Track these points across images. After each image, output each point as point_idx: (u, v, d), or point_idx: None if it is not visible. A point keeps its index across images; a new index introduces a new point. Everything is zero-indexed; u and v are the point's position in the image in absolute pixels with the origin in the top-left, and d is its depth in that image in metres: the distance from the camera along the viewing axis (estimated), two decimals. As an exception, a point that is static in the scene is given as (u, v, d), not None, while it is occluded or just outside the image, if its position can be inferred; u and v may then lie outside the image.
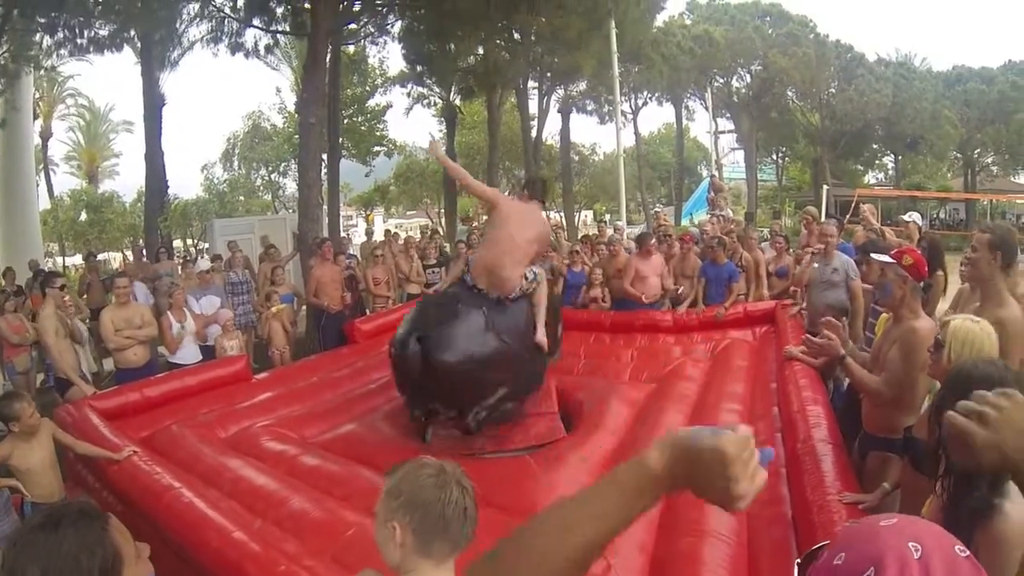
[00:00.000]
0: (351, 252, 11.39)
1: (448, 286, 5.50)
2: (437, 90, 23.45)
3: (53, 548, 1.20)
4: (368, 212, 35.27)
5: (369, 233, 15.18)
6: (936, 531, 0.83)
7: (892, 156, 35.60)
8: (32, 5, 12.03)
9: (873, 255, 3.90)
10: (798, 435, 3.81)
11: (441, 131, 25.30)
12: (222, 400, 5.91)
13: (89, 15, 12.51)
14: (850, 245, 6.83)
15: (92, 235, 24.48)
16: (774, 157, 40.10)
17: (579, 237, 13.86)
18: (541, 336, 5.14)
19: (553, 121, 28.52)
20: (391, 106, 25.84)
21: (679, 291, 8.12)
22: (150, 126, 16.22)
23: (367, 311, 9.22)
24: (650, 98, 33.43)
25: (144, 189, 17.82)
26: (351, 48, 20.94)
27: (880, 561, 0.78)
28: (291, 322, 8.62)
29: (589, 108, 31.18)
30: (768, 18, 31.86)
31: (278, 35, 15.89)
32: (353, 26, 16.26)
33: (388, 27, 17.82)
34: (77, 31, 12.83)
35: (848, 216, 13.74)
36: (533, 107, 24.58)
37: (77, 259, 24.73)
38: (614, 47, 16.49)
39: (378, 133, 26.21)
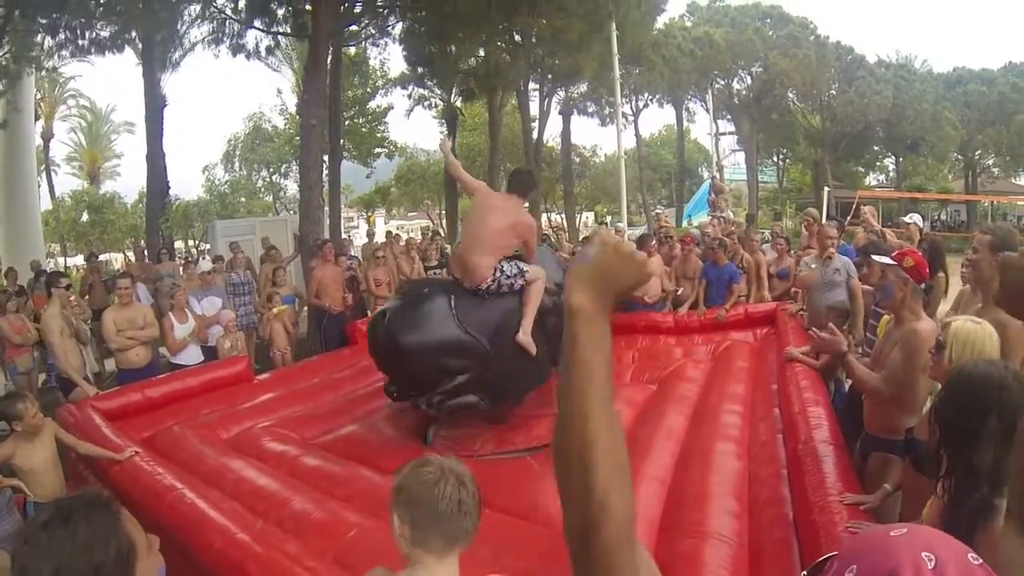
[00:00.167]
0: (352, 253, 11.40)
1: None
2: (438, 92, 23.45)
3: (65, 543, 1.16)
4: (369, 213, 35.28)
5: (370, 234, 15.18)
6: (948, 539, 0.82)
7: (893, 158, 35.63)
8: (33, 6, 12.05)
9: (875, 257, 3.90)
10: (799, 436, 3.81)
11: (442, 133, 25.30)
12: (224, 401, 5.92)
13: (90, 16, 12.53)
14: (851, 247, 6.83)
15: (93, 236, 24.45)
16: (775, 159, 40.14)
17: (580, 239, 13.86)
18: (524, 336, 4.92)
19: (554, 123, 28.60)
20: (392, 108, 25.88)
21: (679, 292, 8.13)
22: (151, 127, 16.25)
23: (368, 312, 9.21)
24: (651, 100, 33.46)
25: (145, 190, 17.84)
26: (352, 50, 20.98)
27: (896, 573, 0.77)
28: (292, 323, 8.64)
29: (590, 110, 31.20)
30: (769, 20, 31.87)
31: (279, 37, 15.91)
32: (354, 28, 16.30)
33: (389, 29, 17.86)
34: (78, 32, 12.86)
35: (849, 218, 13.73)
36: (534, 109, 24.60)
37: (78, 260, 24.71)
38: (615, 49, 16.48)
39: (379, 135, 26.23)
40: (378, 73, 24.63)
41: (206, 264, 10.37)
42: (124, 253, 25.95)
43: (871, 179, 39.18)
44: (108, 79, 51.25)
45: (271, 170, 29.94)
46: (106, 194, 27.67)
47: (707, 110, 31.47)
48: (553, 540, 1.41)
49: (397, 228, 28.14)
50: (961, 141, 31.53)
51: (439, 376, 4.77)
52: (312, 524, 3.46)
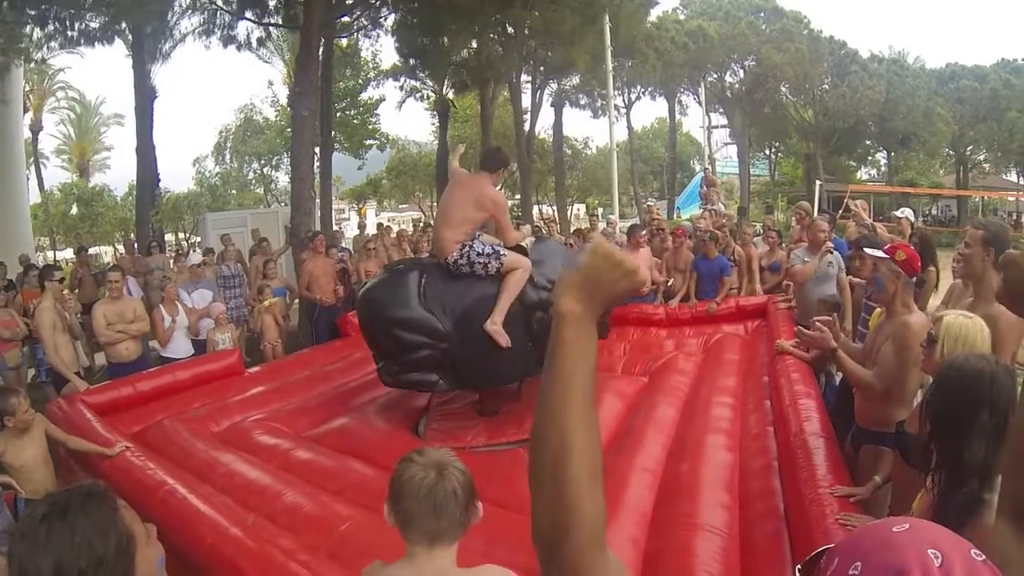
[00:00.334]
0: (344, 245, 11.37)
1: None
2: (430, 84, 23.32)
3: (64, 537, 1.14)
4: (360, 205, 35.20)
5: (361, 226, 15.13)
6: (950, 536, 0.83)
7: (885, 152, 35.74)
8: (22, -4, 11.95)
9: (867, 249, 3.91)
10: (790, 428, 3.82)
11: (434, 124, 25.24)
12: (214, 394, 5.89)
13: (80, 7, 12.43)
14: (843, 240, 6.85)
15: (83, 229, 24.30)
16: (767, 152, 40.20)
17: (572, 231, 13.86)
18: (491, 326, 4.76)
19: (546, 115, 28.52)
20: (384, 99, 25.77)
21: (670, 283, 8.14)
22: (141, 119, 16.13)
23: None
24: (643, 92, 33.46)
25: (135, 183, 17.72)
26: (344, 41, 20.88)
27: (903, 571, 0.77)
28: (283, 316, 8.60)
29: (582, 102, 31.14)
30: (762, 14, 31.89)
31: (270, 28, 15.87)
32: (346, 19, 16.20)
33: (381, 20, 17.78)
34: (68, 23, 12.74)
35: (840, 212, 13.78)
36: (526, 101, 24.54)
37: (68, 253, 24.60)
38: (608, 42, 16.45)
39: (371, 126, 26.16)
40: (370, 65, 24.54)
41: (196, 257, 10.31)
42: (114, 246, 25.78)
43: (863, 173, 39.34)
44: (98, 71, 51.03)
45: (262, 162, 29.78)
46: (96, 187, 27.39)
47: (699, 103, 31.43)
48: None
49: (388, 220, 28.08)
50: (953, 137, 31.65)
51: (398, 348, 4.89)
52: (304, 518, 3.46)
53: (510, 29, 18.20)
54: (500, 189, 5.87)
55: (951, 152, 34.58)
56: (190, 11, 15.44)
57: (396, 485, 1.63)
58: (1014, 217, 30.96)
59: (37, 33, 13.71)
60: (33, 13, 12.49)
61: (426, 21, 15.80)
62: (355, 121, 25.14)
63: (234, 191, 28.25)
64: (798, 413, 3.94)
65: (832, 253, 6.07)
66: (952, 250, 3.92)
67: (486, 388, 5.44)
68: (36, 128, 30.45)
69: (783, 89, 31.94)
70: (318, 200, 14.06)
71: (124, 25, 14.26)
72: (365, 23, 17.74)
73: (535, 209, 27.57)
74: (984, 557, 0.79)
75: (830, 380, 5.34)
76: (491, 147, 5.93)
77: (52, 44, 14.37)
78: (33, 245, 21.16)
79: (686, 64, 29.71)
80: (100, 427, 4.63)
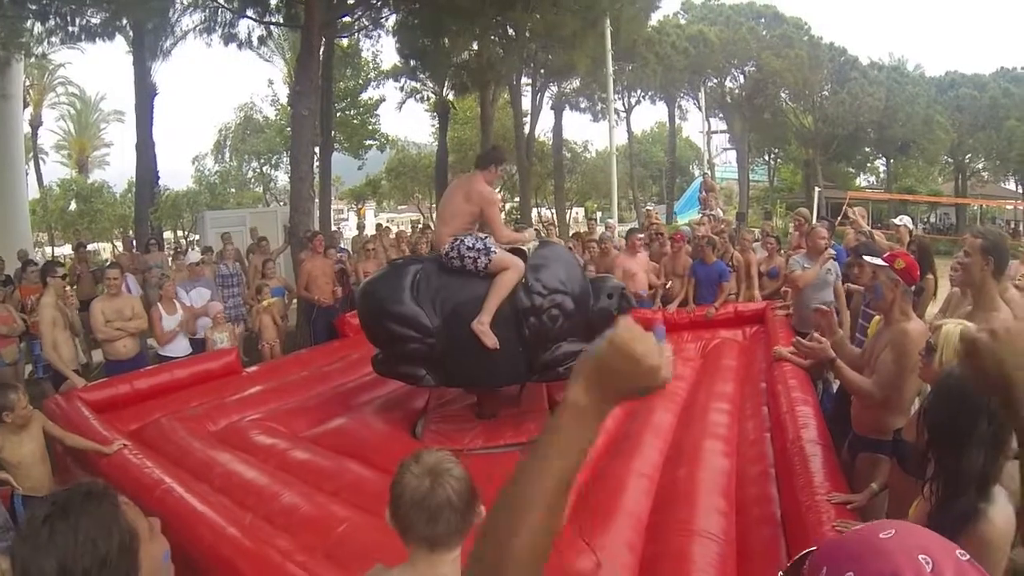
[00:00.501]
0: (342, 246, 11.36)
1: None
2: (430, 85, 23.31)
3: (68, 537, 1.12)
4: (359, 206, 35.19)
5: (360, 227, 15.15)
6: (937, 538, 0.83)
7: (884, 159, 35.80)
8: (23, -9, 11.95)
9: (866, 257, 3.92)
10: (787, 435, 3.83)
11: (433, 126, 25.24)
12: (212, 393, 5.88)
13: (81, 3, 12.41)
14: (841, 248, 6.87)
15: (82, 225, 24.27)
16: (766, 158, 40.30)
17: (571, 234, 13.86)
18: (479, 325, 4.70)
19: (546, 118, 28.56)
20: (384, 100, 25.80)
21: (667, 286, 8.14)
22: (141, 116, 16.13)
23: (358, 306, 9.20)
24: (643, 97, 33.48)
25: (134, 179, 17.71)
26: (345, 41, 20.90)
27: None
28: (282, 316, 8.60)
29: (582, 105, 31.18)
30: (763, 19, 31.95)
31: (271, 26, 15.84)
32: (347, 19, 16.22)
33: (382, 21, 17.77)
34: (69, 19, 12.72)
35: (839, 219, 13.79)
36: (526, 104, 24.58)
37: (66, 249, 24.55)
38: (608, 45, 16.49)
39: (370, 127, 26.17)
40: (370, 65, 24.55)
41: (195, 255, 10.30)
42: (112, 243, 25.79)
43: (862, 180, 39.42)
44: (98, 67, 50.89)
45: (262, 161, 29.79)
46: (95, 183, 27.40)
47: (699, 108, 31.54)
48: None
49: (387, 221, 28.06)
50: (952, 144, 31.75)
51: (389, 339, 4.98)
52: (302, 518, 3.46)
53: (511, 31, 18.20)
54: (500, 191, 5.88)
55: (950, 160, 34.69)
56: (191, 8, 15.43)
57: (394, 492, 1.61)
58: (1012, 226, 31.04)
59: (38, 28, 13.69)
60: (34, 8, 12.49)
61: (427, 22, 15.79)
62: (355, 121, 25.15)
63: (233, 190, 28.26)
64: (795, 420, 3.95)
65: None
66: (950, 258, 3.93)
67: (472, 388, 5.46)
68: (36, 123, 30.40)
69: (783, 95, 32.01)
70: (317, 200, 14.06)
71: (125, 21, 14.25)
72: (366, 23, 17.75)
73: (534, 212, 27.57)
74: (969, 557, 0.80)
75: (827, 387, 5.35)
76: (489, 147, 5.96)
77: (53, 39, 14.38)
78: (31, 241, 21.13)
79: (686, 69, 29.76)
80: (98, 424, 4.64)
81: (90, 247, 17.16)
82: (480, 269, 4.87)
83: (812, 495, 3.00)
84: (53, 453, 4.39)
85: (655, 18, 26.22)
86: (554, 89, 27.51)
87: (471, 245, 4.88)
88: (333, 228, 16.82)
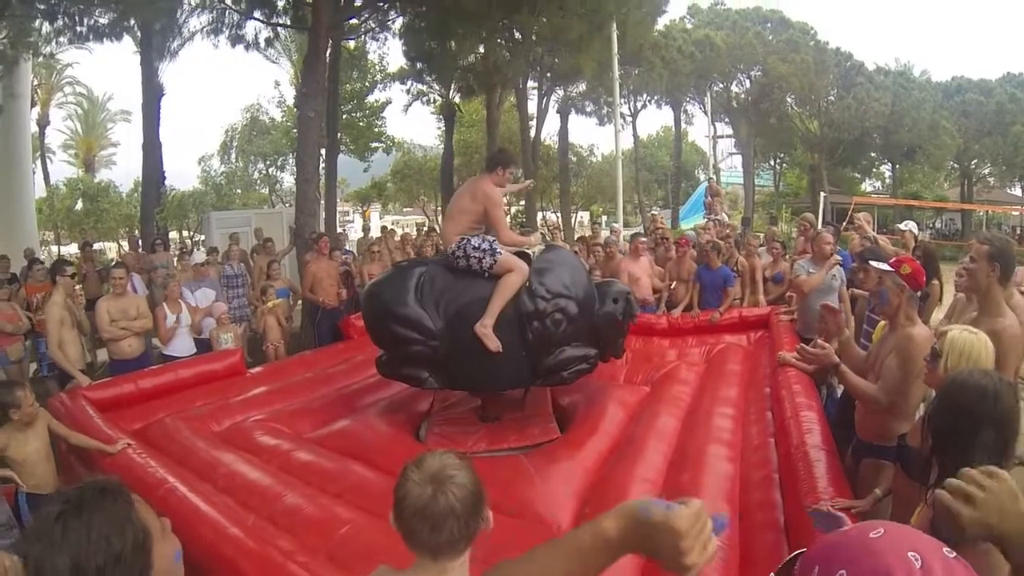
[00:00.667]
0: (348, 248, 11.39)
1: None
2: (437, 88, 23.38)
3: (81, 535, 1.12)
4: (365, 208, 35.25)
5: (366, 229, 15.19)
6: (924, 537, 0.85)
7: (889, 165, 35.72)
8: (32, -9, 11.99)
9: (872, 262, 3.92)
10: (791, 440, 3.81)
11: (439, 129, 25.29)
12: (216, 394, 5.90)
13: (89, 3, 12.44)
14: (846, 253, 6.86)
15: (88, 224, 24.32)
16: (772, 163, 40.24)
17: (576, 238, 13.86)
18: (481, 328, 4.70)
19: (552, 121, 28.55)
20: (390, 102, 25.86)
21: (672, 286, 8.14)
22: (148, 116, 16.18)
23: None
24: (649, 101, 33.51)
25: (141, 179, 17.77)
26: (351, 43, 20.93)
27: (890, 575, 0.78)
28: (286, 317, 8.62)
29: (588, 109, 31.20)
30: (769, 24, 31.90)
31: (279, 28, 15.88)
32: (354, 21, 16.23)
33: (389, 23, 17.84)
34: (77, 19, 12.76)
35: (844, 224, 13.77)
36: (532, 107, 24.62)
37: (72, 248, 24.62)
38: (614, 49, 16.49)
39: (376, 129, 26.20)
40: (377, 67, 24.58)
41: (200, 255, 10.33)
42: (118, 243, 25.85)
43: (867, 185, 39.38)
44: (106, 67, 51.09)
45: (267, 162, 29.89)
46: (101, 183, 27.48)
47: (705, 112, 31.52)
48: (546, 539, 1.40)
49: (392, 223, 28.09)
50: (958, 150, 31.61)
51: (392, 341, 5.00)
52: (305, 520, 3.46)
53: (517, 35, 18.21)
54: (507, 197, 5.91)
55: (956, 165, 34.55)
56: (199, 9, 15.48)
57: (397, 496, 1.55)
58: (1018, 231, 30.92)
59: (46, 28, 13.74)
60: (42, 7, 12.52)
61: (434, 25, 15.81)
62: (361, 123, 25.20)
63: (239, 190, 28.36)
64: (799, 425, 3.93)
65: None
66: (956, 264, 3.92)
67: (475, 391, 5.47)
68: (43, 122, 30.57)
69: (789, 100, 31.95)
70: (323, 202, 14.07)
71: (133, 22, 14.29)
72: (373, 26, 17.80)
73: (539, 216, 27.59)
74: (956, 554, 0.82)
75: (831, 392, 5.33)
76: (495, 149, 5.99)
77: (61, 39, 14.45)
78: (38, 239, 21.22)
79: (692, 73, 29.77)
80: (102, 423, 4.65)
81: (96, 246, 17.23)
82: (485, 269, 4.88)
83: (816, 501, 2.99)
84: (57, 451, 4.41)
85: (661, 22, 26.33)
86: (560, 93, 27.54)
87: (477, 245, 4.90)
88: (338, 230, 16.88)
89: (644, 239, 8.40)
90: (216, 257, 9.58)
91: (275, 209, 22.29)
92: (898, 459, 2.98)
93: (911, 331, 3.27)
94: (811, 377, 5.00)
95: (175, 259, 10.42)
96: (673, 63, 28.27)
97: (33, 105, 25.17)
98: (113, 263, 9.24)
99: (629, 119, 32.88)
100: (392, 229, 14.32)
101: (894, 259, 3.62)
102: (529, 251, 5.22)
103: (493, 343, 4.72)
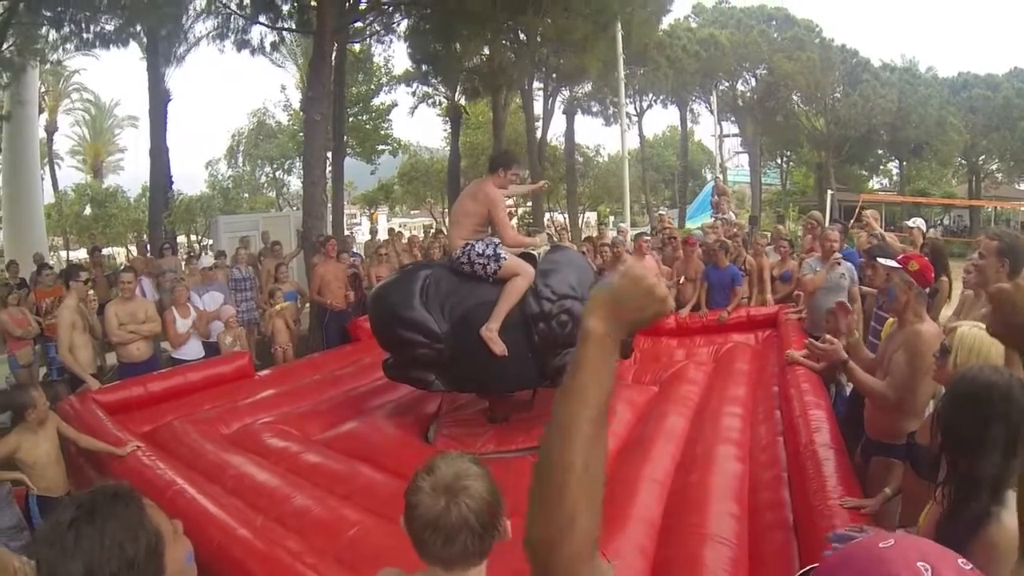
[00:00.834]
0: (355, 250, 11.40)
1: None
2: (442, 90, 23.38)
3: (94, 541, 1.11)
4: (372, 211, 35.28)
5: (373, 232, 15.18)
6: (936, 547, 0.83)
7: (897, 162, 35.53)
8: (38, -1, 12.06)
9: (880, 259, 3.90)
10: (800, 439, 3.81)
11: (446, 130, 25.27)
12: (225, 396, 5.92)
13: (95, 10, 12.52)
14: (854, 250, 6.82)
15: (96, 229, 24.45)
16: (778, 161, 40.05)
17: (583, 238, 13.84)
18: (487, 332, 4.72)
19: (558, 122, 28.57)
20: (396, 105, 25.78)
21: (680, 281, 8.12)
22: (155, 122, 16.27)
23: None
24: (655, 100, 33.36)
25: (148, 184, 17.84)
26: (357, 46, 20.94)
27: None
28: (294, 320, 8.63)
29: (594, 109, 31.09)
30: (774, 22, 31.80)
31: (284, 32, 15.92)
32: (359, 24, 16.28)
33: (394, 26, 17.84)
34: (83, 26, 12.83)
35: (852, 221, 13.72)
36: (538, 108, 24.57)
37: (81, 253, 24.72)
38: (620, 49, 16.45)
39: (383, 132, 26.18)
40: (382, 70, 24.55)
41: (208, 259, 10.35)
42: (127, 247, 25.92)
43: (874, 183, 39.16)
44: (112, 73, 51.40)
45: (274, 166, 29.90)
46: (109, 188, 27.57)
47: (711, 111, 31.37)
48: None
49: (399, 226, 28.15)
50: (965, 146, 31.44)
51: (398, 344, 5.01)
52: (313, 521, 3.47)
53: (522, 36, 18.20)
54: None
55: (963, 161, 34.36)
56: (204, 15, 15.56)
57: (407, 504, 1.46)
58: (1027, 228, 30.75)
59: (53, 35, 13.80)
60: (49, 15, 12.60)
61: (439, 27, 15.84)
62: (367, 126, 25.19)
63: (246, 194, 28.42)
64: (808, 424, 3.92)
65: (840, 264, 6.04)
66: (964, 260, 3.91)
67: (481, 393, 5.47)
68: (51, 129, 30.71)
69: (795, 98, 31.82)
70: (330, 205, 14.10)
71: (139, 28, 14.37)
72: (378, 28, 17.81)
73: (546, 216, 27.61)
74: (972, 566, 0.80)
75: (840, 391, 5.32)
76: (499, 151, 5.99)
77: (68, 46, 14.48)
78: (47, 245, 21.31)
79: (698, 72, 29.65)
80: (111, 426, 4.67)
81: (105, 251, 17.27)
82: (490, 275, 4.88)
83: (825, 500, 2.98)
84: (67, 454, 4.43)
85: (666, 22, 26.22)
86: (566, 93, 27.49)
87: (481, 251, 4.89)
88: (346, 233, 16.89)
89: (648, 238, 8.37)
90: (224, 261, 9.61)
91: (282, 212, 22.30)
92: (908, 457, 2.97)
93: (919, 327, 3.26)
94: (820, 375, 4.99)
95: (183, 263, 10.43)
96: (678, 62, 28.17)
97: (41, 112, 25.29)
98: (122, 267, 9.27)
99: (635, 119, 32.76)
100: (399, 231, 14.36)
101: (902, 256, 3.60)
102: (535, 252, 5.22)
103: (499, 347, 4.73)
